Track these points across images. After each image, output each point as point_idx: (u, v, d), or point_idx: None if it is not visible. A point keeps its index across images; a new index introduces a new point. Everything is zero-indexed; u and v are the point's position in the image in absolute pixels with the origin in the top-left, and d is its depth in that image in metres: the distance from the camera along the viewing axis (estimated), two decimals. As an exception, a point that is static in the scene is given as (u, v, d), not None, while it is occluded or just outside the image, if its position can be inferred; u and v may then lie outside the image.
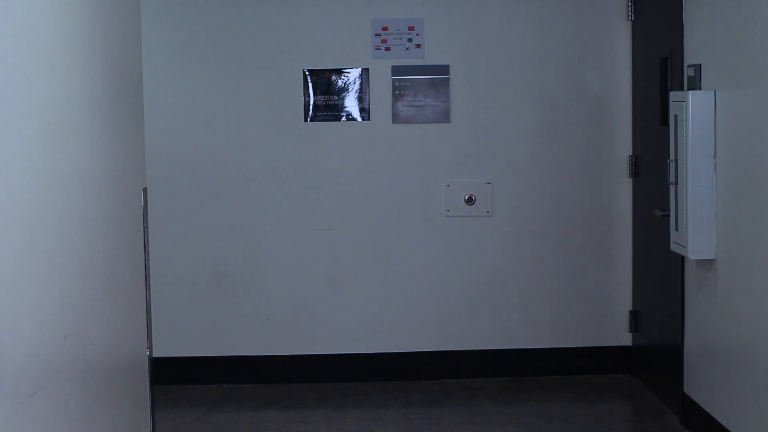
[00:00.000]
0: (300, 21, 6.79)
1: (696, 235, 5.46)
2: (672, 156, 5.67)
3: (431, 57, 6.83)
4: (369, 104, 6.84)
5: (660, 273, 6.36)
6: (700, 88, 5.56)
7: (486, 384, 6.81)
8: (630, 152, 6.84)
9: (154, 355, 4.52)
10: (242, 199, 6.85)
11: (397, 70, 6.82)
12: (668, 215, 5.77)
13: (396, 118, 6.84)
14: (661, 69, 6.20)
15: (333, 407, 6.43)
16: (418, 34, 6.81)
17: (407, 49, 6.82)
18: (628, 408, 6.55)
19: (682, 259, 5.82)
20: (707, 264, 5.53)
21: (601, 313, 6.95)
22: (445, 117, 6.83)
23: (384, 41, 6.81)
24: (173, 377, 6.72)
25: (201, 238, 6.84)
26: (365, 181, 6.83)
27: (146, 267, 4.36)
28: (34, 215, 2.93)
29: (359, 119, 6.85)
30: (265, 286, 6.87)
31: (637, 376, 6.84)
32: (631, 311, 6.91)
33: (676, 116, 5.61)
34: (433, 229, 6.87)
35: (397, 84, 6.82)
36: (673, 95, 5.73)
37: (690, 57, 5.75)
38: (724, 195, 5.35)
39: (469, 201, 6.86)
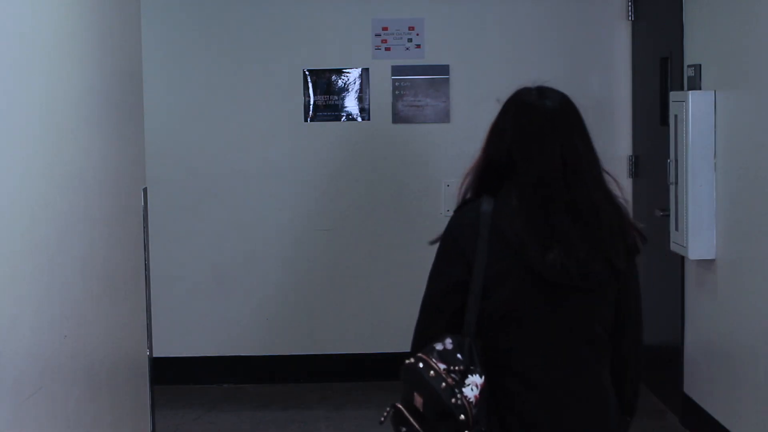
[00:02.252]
0: (300, 21, 6.79)
1: (696, 235, 5.46)
2: (672, 156, 5.67)
3: (431, 57, 6.82)
4: (369, 104, 6.84)
5: (660, 273, 6.36)
6: (700, 88, 5.56)
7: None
8: (630, 152, 6.84)
9: (154, 355, 4.52)
10: (242, 199, 6.84)
11: (397, 70, 6.81)
12: (668, 215, 5.77)
13: (396, 118, 6.84)
14: (661, 69, 6.20)
15: (333, 407, 6.43)
16: (418, 34, 6.81)
17: (407, 49, 6.82)
18: (628, 408, 6.54)
19: (682, 259, 5.82)
20: (707, 264, 5.53)
21: (601, 313, 6.94)
22: (445, 117, 6.83)
23: (384, 41, 6.81)
24: (173, 377, 6.72)
25: (201, 238, 6.84)
26: (365, 181, 6.83)
27: (146, 267, 4.36)
28: (34, 215, 2.93)
29: (359, 119, 6.85)
30: (265, 286, 6.87)
31: (637, 376, 6.83)
32: (631, 311, 6.90)
33: (676, 116, 5.61)
34: (433, 229, 6.84)
35: (397, 84, 6.82)
36: (673, 95, 5.73)
37: (690, 57, 5.75)
38: (724, 195, 5.35)
39: (469, 201, 6.85)
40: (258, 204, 6.83)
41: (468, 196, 2.91)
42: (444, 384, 2.69)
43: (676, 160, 5.60)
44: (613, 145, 6.86)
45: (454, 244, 2.86)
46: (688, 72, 5.75)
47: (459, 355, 2.73)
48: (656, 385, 6.48)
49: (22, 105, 2.87)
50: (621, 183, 3.14)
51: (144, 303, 4.33)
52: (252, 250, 6.87)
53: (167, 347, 6.60)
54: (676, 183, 5.62)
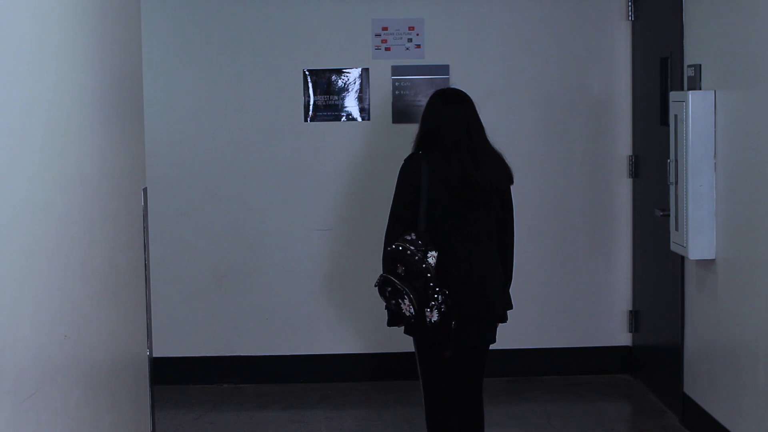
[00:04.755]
0: (300, 21, 6.80)
1: (696, 235, 5.46)
2: (672, 156, 5.67)
3: (431, 57, 6.83)
4: (369, 104, 6.84)
5: (660, 273, 6.36)
6: (700, 88, 5.56)
7: (486, 384, 6.79)
8: (630, 152, 6.84)
9: (154, 355, 4.52)
10: (242, 199, 6.85)
11: (397, 70, 6.82)
12: (668, 215, 5.77)
13: (396, 118, 6.84)
14: (661, 69, 6.20)
15: (333, 407, 6.43)
16: (418, 34, 6.81)
17: (407, 49, 6.82)
18: (628, 408, 6.55)
19: (682, 259, 5.82)
20: (707, 264, 5.53)
21: (601, 313, 6.95)
22: (445, 117, 6.82)
23: (384, 41, 6.81)
24: (173, 377, 6.73)
25: (201, 238, 6.84)
26: (365, 181, 6.83)
27: (146, 267, 4.36)
28: (34, 215, 2.93)
29: (359, 119, 6.85)
30: (265, 286, 6.87)
31: (637, 376, 6.84)
32: (630, 311, 6.91)
33: (676, 116, 5.61)
34: (433, 229, 6.86)
35: (397, 84, 6.82)
36: (673, 95, 5.73)
37: (690, 57, 5.76)
38: (724, 195, 5.35)
39: (469, 201, 6.86)
40: (258, 204, 6.83)
41: (412, 152, 4.73)
42: (417, 257, 4.52)
43: (676, 160, 5.61)
44: (613, 145, 6.87)
45: (407, 179, 4.67)
46: (688, 72, 5.75)
47: (420, 242, 4.56)
48: (656, 385, 6.48)
49: (22, 105, 2.87)
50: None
51: (144, 303, 4.33)
52: (252, 250, 6.87)
53: (167, 347, 6.60)
54: (676, 183, 5.62)
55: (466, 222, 4.66)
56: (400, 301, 4.54)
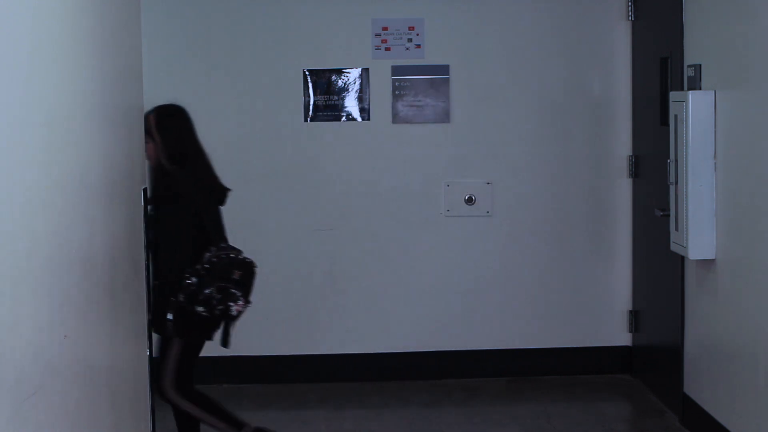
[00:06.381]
0: (300, 21, 6.79)
1: (696, 235, 5.46)
2: (672, 156, 5.67)
3: (431, 57, 6.83)
4: (369, 104, 6.84)
5: (660, 273, 6.36)
6: (700, 88, 5.56)
7: (486, 384, 6.81)
8: (630, 152, 6.84)
9: (155, 355, 4.52)
10: (242, 199, 6.84)
11: (397, 70, 6.82)
12: (668, 215, 5.77)
13: (396, 118, 6.84)
14: (661, 69, 6.20)
15: (333, 407, 6.43)
16: (418, 34, 6.81)
17: (407, 49, 6.82)
18: (628, 408, 6.55)
19: (682, 259, 5.82)
20: (707, 264, 5.53)
21: (601, 313, 6.95)
22: (445, 117, 6.83)
23: (384, 41, 6.81)
24: (173, 377, 6.71)
25: (201, 238, 6.83)
26: (365, 181, 6.83)
27: (146, 267, 4.36)
28: (34, 215, 2.93)
29: (359, 119, 6.85)
30: (265, 286, 6.85)
31: (636, 376, 6.84)
32: (630, 311, 6.91)
33: (676, 116, 5.61)
34: (433, 229, 6.87)
35: (397, 84, 6.82)
36: (673, 95, 5.73)
37: (690, 57, 5.76)
38: (724, 195, 5.35)
39: (469, 201, 6.86)
40: (258, 204, 6.83)
41: (170, 172, 5.00)
42: (247, 260, 4.98)
43: (676, 160, 5.61)
44: (613, 145, 6.87)
45: (181, 198, 4.96)
46: (688, 72, 5.75)
47: (231, 247, 5.01)
48: (656, 385, 6.48)
49: (22, 105, 2.87)
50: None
51: (144, 303, 4.33)
52: (252, 250, 6.83)
53: (167, 347, 6.58)
54: (676, 183, 5.62)
55: (220, 220, 5.13)
56: (231, 304, 4.91)
